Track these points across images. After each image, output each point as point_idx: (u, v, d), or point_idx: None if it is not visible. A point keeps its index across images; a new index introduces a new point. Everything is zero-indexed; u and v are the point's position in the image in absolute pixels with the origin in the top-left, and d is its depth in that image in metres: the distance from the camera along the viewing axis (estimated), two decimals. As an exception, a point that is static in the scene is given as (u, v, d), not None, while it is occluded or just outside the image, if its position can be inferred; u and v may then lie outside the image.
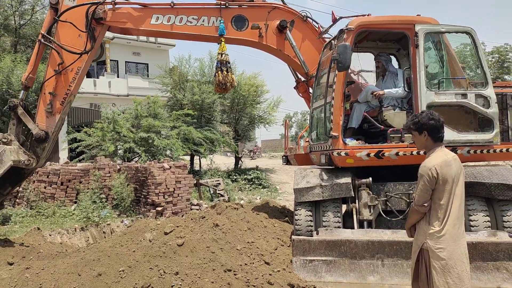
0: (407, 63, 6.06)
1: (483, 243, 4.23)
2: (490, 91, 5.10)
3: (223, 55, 5.95)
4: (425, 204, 2.90)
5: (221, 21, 5.85)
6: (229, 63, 6.02)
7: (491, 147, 5.10)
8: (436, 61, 5.55)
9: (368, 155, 4.97)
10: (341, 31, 5.20)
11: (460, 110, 5.11)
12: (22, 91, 5.62)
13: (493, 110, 5.08)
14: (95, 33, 5.56)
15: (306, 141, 7.25)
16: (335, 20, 5.81)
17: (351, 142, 5.10)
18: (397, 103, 5.46)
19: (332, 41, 5.40)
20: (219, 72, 5.91)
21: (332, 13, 5.81)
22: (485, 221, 4.67)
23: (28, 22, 17.56)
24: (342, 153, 4.98)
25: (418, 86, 5.03)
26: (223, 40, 5.91)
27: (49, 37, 5.50)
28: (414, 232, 3.07)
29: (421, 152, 4.83)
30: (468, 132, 5.05)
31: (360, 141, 5.24)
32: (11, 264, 4.60)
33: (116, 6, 5.70)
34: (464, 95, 5.07)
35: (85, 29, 5.48)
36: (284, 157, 7.28)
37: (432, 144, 3.01)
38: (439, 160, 2.89)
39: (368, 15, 5.55)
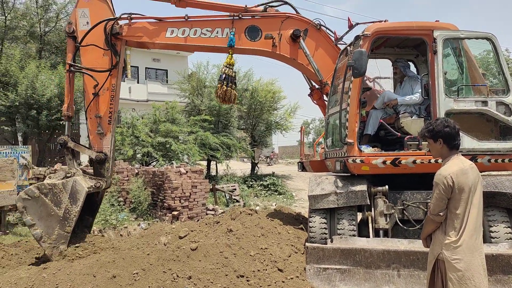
0: (425, 69, 5.97)
1: (504, 256, 4.09)
2: (511, 99, 4.97)
3: (228, 69, 5.96)
4: (441, 214, 2.83)
5: (232, 32, 5.89)
6: (234, 78, 6.02)
7: None
8: (455, 68, 5.44)
9: (384, 162, 4.89)
10: (357, 37, 5.17)
11: (481, 118, 4.99)
12: (67, 123, 5.78)
13: None
14: (117, 48, 5.75)
15: (322, 148, 7.20)
16: (351, 26, 5.78)
17: (367, 149, 5.04)
18: (414, 110, 5.37)
19: (348, 48, 5.37)
20: (220, 85, 5.95)
21: (348, 19, 5.79)
22: (506, 233, 4.52)
23: (53, 29, 18.11)
24: (358, 160, 4.92)
25: (436, 93, 4.94)
26: (231, 52, 5.93)
27: (77, 65, 5.73)
28: (430, 242, 2.99)
29: (439, 160, 4.73)
30: (488, 140, 4.91)
31: (376, 148, 5.17)
32: (32, 263, 4.73)
33: (132, 21, 5.85)
34: (485, 103, 4.95)
35: (107, 47, 5.67)
36: (299, 163, 7.24)
37: (448, 152, 2.94)
38: (455, 168, 2.83)
39: (385, 21, 5.51)
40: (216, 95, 6.14)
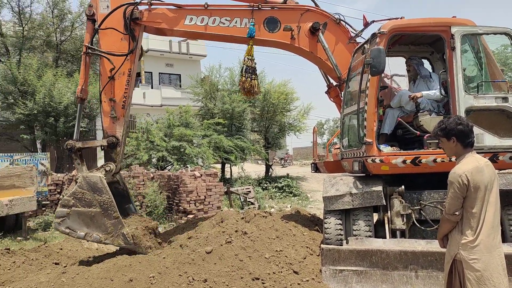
0: (441, 66, 5.88)
1: (526, 255, 3.97)
2: None
3: (249, 60, 5.92)
4: (457, 213, 2.78)
5: (252, 23, 5.83)
6: (254, 69, 5.97)
7: None
8: (474, 64, 5.32)
9: (404, 162, 4.79)
10: (374, 35, 5.10)
11: (502, 115, 4.89)
12: (79, 106, 5.75)
13: None
14: (135, 33, 5.69)
15: (335, 148, 7.14)
16: (366, 24, 5.68)
17: (386, 149, 4.94)
18: (432, 107, 5.27)
19: (365, 45, 5.29)
20: (244, 77, 5.92)
21: (364, 17, 5.69)
22: (527, 232, 4.41)
23: (68, 38, 18.52)
24: (377, 160, 4.83)
25: (456, 90, 4.85)
26: (251, 43, 5.88)
27: (94, 48, 5.75)
28: (447, 242, 2.94)
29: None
30: (510, 137, 4.81)
31: (394, 147, 5.10)
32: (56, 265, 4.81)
33: (152, 6, 5.83)
34: (505, 99, 4.85)
35: (126, 31, 5.64)
36: (313, 164, 7.17)
37: (462, 150, 2.89)
38: (470, 166, 2.77)
39: (401, 18, 5.40)
40: (241, 88, 6.11)
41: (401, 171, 4.88)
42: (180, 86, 26.26)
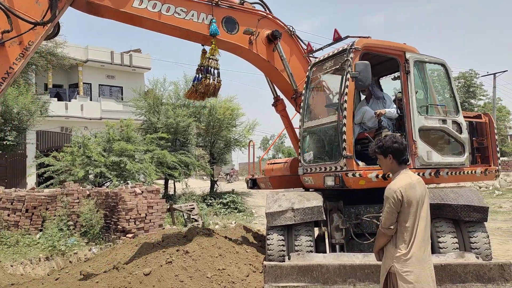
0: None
1: (452, 265, 4.26)
2: (461, 118, 5.51)
3: (213, 61, 5.44)
4: (391, 227, 2.90)
5: (213, 20, 5.43)
6: (217, 69, 5.49)
7: (462, 169, 5.42)
8: (421, 88, 5.69)
9: (377, 176, 4.85)
10: (345, 51, 5.19)
11: (442, 135, 5.38)
12: None
13: (464, 135, 5.47)
14: (59, 3, 4.43)
15: (268, 164, 7.14)
16: (338, 38, 5.62)
17: (361, 163, 4.96)
18: (388, 126, 5.48)
19: (349, 59, 5.08)
20: (205, 78, 5.40)
21: (335, 31, 5.64)
22: (453, 243, 4.73)
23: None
24: (357, 174, 4.82)
25: (410, 110, 5.18)
26: (214, 41, 5.44)
27: None
28: (383, 255, 3.05)
29: (426, 174, 5.02)
30: (448, 155, 5.33)
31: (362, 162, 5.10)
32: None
33: None
34: (444, 121, 5.37)
35: None
36: (250, 180, 6.97)
37: (397, 167, 3.05)
38: (403, 182, 2.93)
39: (368, 37, 5.45)
40: (190, 93, 5.59)
41: (373, 186, 4.91)
42: (122, 99, 25.28)
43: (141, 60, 26.65)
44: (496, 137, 5.99)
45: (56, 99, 21.83)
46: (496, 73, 30.84)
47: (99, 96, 25.25)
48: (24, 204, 9.41)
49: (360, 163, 4.96)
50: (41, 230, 9.34)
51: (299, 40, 6.34)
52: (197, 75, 5.62)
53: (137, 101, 17.57)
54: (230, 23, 5.66)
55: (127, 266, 4.62)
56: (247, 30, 5.70)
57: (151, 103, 16.89)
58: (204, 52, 5.65)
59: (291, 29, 6.17)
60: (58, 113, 20.48)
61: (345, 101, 4.95)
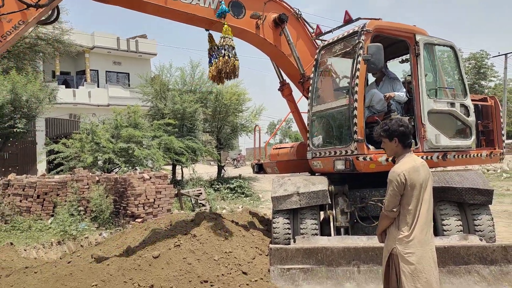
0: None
1: (455, 247, 4.30)
2: (469, 101, 5.49)
3: (228, 39, 5.13)
4: (394, 209, 2.95)
5: (222, 2, 5.26)
6: (233, 47, 5.19)
7: (469, 152, 5.43)
8: (430, 71, 5.64)
9: (387, 160, 4.81)
10: (356, 33, 5.11)
11: (450, 118, 5.37)
12: None
13: (472, 118, 5.45)
14: None
15: (274, 148, 7.16)
16: (349, 20, 5.52)
17: (371, 147, 4.94)
18: (397, 109, 5.42)
19: (361, 41, 4.98)
20: (221, 57, 5.09)
21: (346, 12, 5.52)
22: (457, 225, 4.77)
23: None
24: (367, 158, 4.83)
25: (420, 93, 5.16)
26: (225, 23, 5.19)
27: None
28: (385, 238, 3.11)
29: (434, 157, 5.03)
30: (455, 138, 5.33)
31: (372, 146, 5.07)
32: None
33: None
34: (453, 104, 5.35)
35: None
36: (256, 165, 6.96)
37: (402, 150, 3.07)
38: (407, 166, 2.95)
39: (379, 19, 5.36)
40: (213, 74, 5.22)
41: (383, 169, 4.83)
42: (129, 85, 25.34)
43: (147, 46, 26.57)
44: (506, 119, 5.97)
45: (63, 86, 21.96)
46: (508, 53, 30.12)
47: (106, 83, 25.34)
48: (35, 190, 9.62)
49: (370, 146, 4.95)
50: (52, 216, 9.56)
51: (305, 23, 6.25)
52: (210, 58, 5.38)
53: (143, 87, 17.62)
54: (237, 7, 5.56)
55: (136, 250, 4.75)
56: (254, 14, 5.61)
57: (158, 89, 16.93)
58: (210, 36, 5.53)
59: (298, 12, 6.08)
60: (66, 100, 20.63)
61: (356, 85, 4.89)
